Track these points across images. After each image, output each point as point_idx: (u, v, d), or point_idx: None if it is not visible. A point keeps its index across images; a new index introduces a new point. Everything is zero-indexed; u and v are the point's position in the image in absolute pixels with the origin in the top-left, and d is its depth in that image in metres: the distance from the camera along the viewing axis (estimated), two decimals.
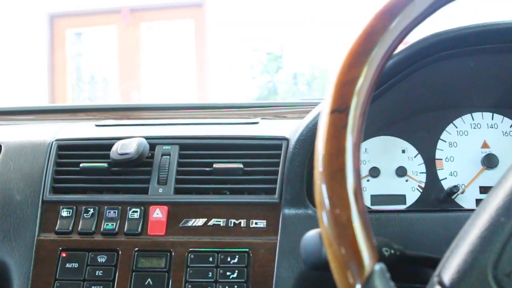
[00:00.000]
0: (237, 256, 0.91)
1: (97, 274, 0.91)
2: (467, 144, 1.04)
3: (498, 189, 0.51)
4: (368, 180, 1.03)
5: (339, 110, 0.52)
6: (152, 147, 1.02)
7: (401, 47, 0.88)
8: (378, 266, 0.47)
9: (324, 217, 0.49)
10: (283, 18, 5.27)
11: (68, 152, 1.05)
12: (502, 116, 1.05)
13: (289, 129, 1.02)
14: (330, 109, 0.52)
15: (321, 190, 0.50)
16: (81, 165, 1.01)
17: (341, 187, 0.49)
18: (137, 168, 1.01)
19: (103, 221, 0.96)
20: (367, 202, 1.02)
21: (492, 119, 1.05)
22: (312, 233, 0.63)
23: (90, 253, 0.93)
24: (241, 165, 0.98)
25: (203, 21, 5.66)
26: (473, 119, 1.05)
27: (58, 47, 5.85)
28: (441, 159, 1.04)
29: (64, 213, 0.97)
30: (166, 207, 0.96)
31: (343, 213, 0.48)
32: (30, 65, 5.56)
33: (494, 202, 0.50)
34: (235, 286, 0.88)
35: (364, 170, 1.04)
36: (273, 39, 5.53)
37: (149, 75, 5.72)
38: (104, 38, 5.91)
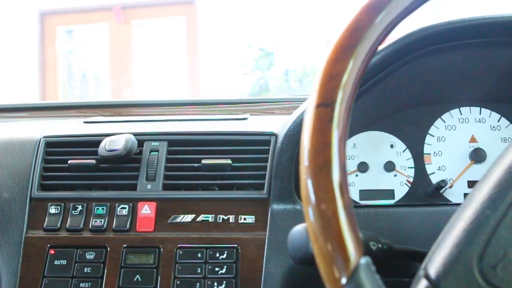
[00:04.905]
0: (225, 252, 0.91)
1: (85, 271, 0.91)
2: (455, 138, 1.04)
3: (484, 183, 0.51)
4: (356, 175, 1.03)
5: (325, 104, 0.52)
6: (141, 143, 1.02)
7: (388, 41, 0.89)
8: (364, 260, 0.47)
9: (309, 212, 0.49)
10: (275, 15, 5.26)
11: (56, 149, 1.05)
12: (490, 111, 1.05)
13: (278, 124, 1.02)
14: (315, 103, 0.52)
15: (306, 184, 0.49)
16: (69, 162, 1.00)
17: (326, 181, 0.49)
18: (125, 165, 1.00)
19: (92, 217, 0.96)
20: (356, 197, 1.02)
21: (480, 113, 1.05)
22: (299, 228, 0.63)
23: (78, 250, 0.93)
24: (229, 161, 0.98)
25: (195, 18, 5.65)
26: (461, 114, 1.06)
27: (49, 45, 5.82)
28: (429, 154, 1.04)
29: (52, 210, 0.97)
30: (154, 203, 0.96)
31: (329, 207, 0.48)
32: (21, 63, 5.53)
33: (480, 195, 0.50)
34: (224, 282, 0.88)
35: (353, 165, 1.04)
36: (265, 36, 5.52)
37: (141, 73, 5.70)
38: (95, 35, 5.88)
